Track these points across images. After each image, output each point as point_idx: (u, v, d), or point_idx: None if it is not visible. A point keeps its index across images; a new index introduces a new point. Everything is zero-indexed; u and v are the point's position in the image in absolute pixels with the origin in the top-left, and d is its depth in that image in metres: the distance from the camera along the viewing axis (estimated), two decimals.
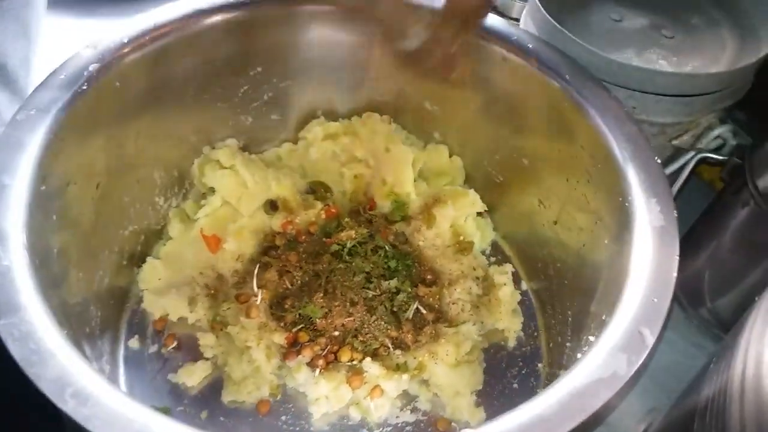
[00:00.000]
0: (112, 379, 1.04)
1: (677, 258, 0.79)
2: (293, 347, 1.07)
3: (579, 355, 0.85)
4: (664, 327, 0.73)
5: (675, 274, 0.78)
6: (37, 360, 0.67)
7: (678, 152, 1.14)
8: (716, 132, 1.12)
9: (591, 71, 1.03)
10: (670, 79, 1.05)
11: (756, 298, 0.75)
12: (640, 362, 0.70)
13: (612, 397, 0.67)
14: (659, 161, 0.91)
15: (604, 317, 0.83)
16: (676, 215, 0.84)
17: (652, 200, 0.86)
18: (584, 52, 1.06)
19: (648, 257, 0.80)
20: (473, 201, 1.21)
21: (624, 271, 0.81)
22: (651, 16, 1.20)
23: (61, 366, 0.67)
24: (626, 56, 1.13)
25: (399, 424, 1.04)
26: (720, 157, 1.09)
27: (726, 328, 1.15)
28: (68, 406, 0.64)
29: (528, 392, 1.09)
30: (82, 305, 0.97)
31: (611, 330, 0.74)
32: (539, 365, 1.12)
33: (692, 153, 1.12)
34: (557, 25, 1.09)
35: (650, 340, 0.72)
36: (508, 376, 1.11)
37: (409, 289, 1.13)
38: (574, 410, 0.66)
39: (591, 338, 0.81)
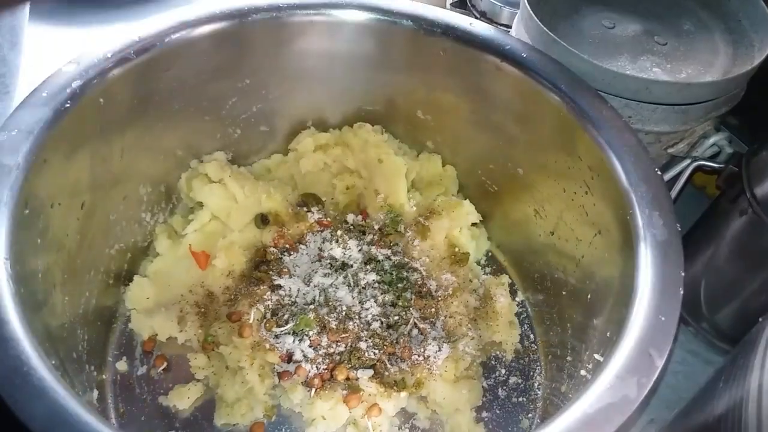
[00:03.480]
0: (101, 403, 1.01)
1: (683, 274, 0.78)
2: (288, 366, 1.05)
3: (583, 372, 0.85)
4: (673, 346, 0.71)
5: (681, 291, 0.76)
6: (25, 398, 0.63)
7: (673, 160, 1.13)
8: (712, 140, 1.11)
9: (586, 80, 1.02)
10: (666, 88, 1.04)
11: (760, 319, 0.74)
12: (651, 384, 0.68)
13: (624, 423, 0.65)
14: (660, 172, 0.90)
15: (608, 334, 0.81)
16: (679, 229, 0.83)
17: (655, 213, 0.84)
18: (579, 61, 1.05)
19: (653, 273, 0.79)
20: (468, 212, 1.19)
21: (629, 287, 0.80)
22: (643, 22, 1.19)
23: (52, 404, 0.63)
24: (620, 64, 1.12)
25: None
26: (716, 165, 1.09)
27: (725, 337, 1.14)
28: None
29: (527, 407, 1.07)
30: (68, 329, 0.94)
31: (619, 351, 0.72)
32: (538, 378, 1.11)
33: (688, 161, 1.11)
34: (551, 34, 1.07)
35: (660, 361, 0.70)
36: (506, 390, 1.09)
37: (406, 303, 1.10)
38: None
39: (597, 356, 0.80)
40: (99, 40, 0.97)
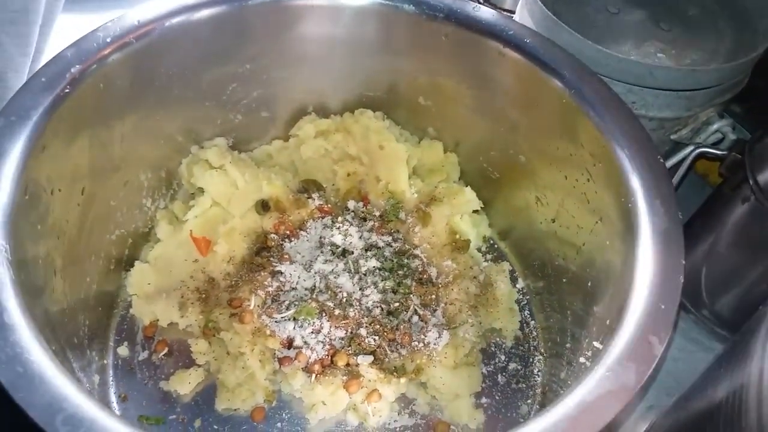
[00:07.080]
0: (102, 388, 1.01)
1: (683, 263, 0.77)
2: (288, 352, 1.05)
3: (582, 359, 0.85)
4: (673, 334, 0.71)
5: (682, 279, 0.76)
6: (25, 384, 0.64)
7: (677, 147, 1.13)
8: (715, 126, 1.10)
9: (590, 66, 1.01)
10: (670, 73, 1.03)
11: (760, 307, 0.74)
12: (650, 372, 0.68)
13: (622, 410, 0.66)
14: (662, 160, 0.89)
15: (608, 322, 0.81)
16: (680, 217, 0.82)
17: (656, 201, 0.84)
18: (583, 46, 1.04)
19: (653, 261, 0.78)
20: (469, 199, 1.19)
21: (629, 275, 0.79)
22: (648, 8, 1.18)
23: (51, 390, 0.64)
24: (624, 49, 1.11)
25: (397, 429, 1.03)
26: (719, 152, 1.08)
27: (725, 324, 1.14)
28: None
29: (526, 393, 1.08)
30: (69, 314, 0.94)
31: (618, 338, 0.72)
32: (537, 365, 1.11)
33: (691, 147, 1.10)
34: (555, 19, 1.06)
35: (659, 348, 0.70)
36: (506, 376, 1.09)
37: (406, 290, 1.10)
38: (583, 426, 0.64)
39: (596, 344, 0.80)
40: (98, 25, 0.96)
